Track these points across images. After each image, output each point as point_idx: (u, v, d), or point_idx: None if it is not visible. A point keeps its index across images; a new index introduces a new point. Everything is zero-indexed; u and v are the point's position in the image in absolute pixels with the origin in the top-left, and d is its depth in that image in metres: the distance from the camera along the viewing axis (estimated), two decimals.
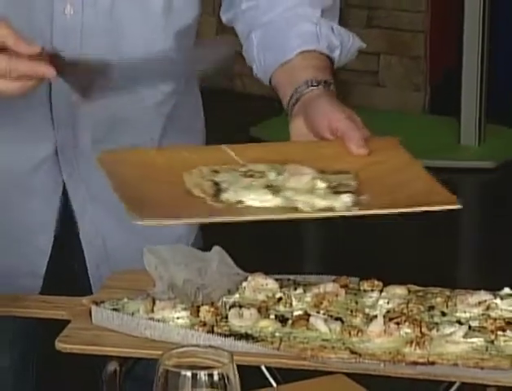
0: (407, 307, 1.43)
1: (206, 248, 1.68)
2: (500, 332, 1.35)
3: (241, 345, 1.35)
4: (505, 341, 1.34)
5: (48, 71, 1.44)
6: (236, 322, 1.41)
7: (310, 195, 1.35)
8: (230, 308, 1.44)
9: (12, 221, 1.78)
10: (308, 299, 1.49)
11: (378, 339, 1.37)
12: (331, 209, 1.35)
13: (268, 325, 1.40)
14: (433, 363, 1.31)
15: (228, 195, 1.35)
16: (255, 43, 1.75)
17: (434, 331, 1.37)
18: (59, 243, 1.78)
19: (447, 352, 1.33)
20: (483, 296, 1.45)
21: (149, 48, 1.70)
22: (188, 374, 1.02)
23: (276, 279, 1.55)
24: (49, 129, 1.73)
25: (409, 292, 1.49)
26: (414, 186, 1.44)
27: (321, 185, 1.36)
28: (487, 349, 1.32)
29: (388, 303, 1.45)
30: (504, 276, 1.65)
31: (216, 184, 1.38)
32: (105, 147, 1.69)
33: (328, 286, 1.52)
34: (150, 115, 1.82)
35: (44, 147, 1.74)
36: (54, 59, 1.45)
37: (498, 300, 1.43)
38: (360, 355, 1.33)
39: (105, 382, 1.48)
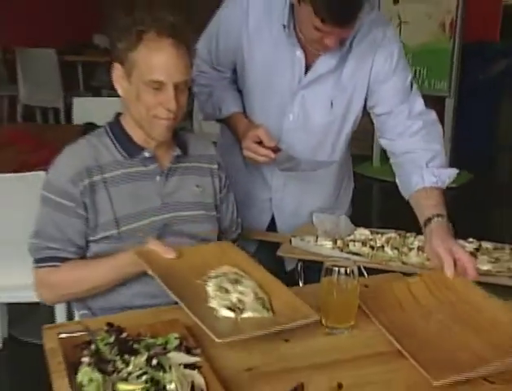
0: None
1: None
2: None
3: (355, 257, 1.50)
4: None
5: (270, 154, 1.44)
6: (353, 248, 1.58)
7: None
8: (350, 241, 1.60)
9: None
10: (383, 239, 1.64)
11: (415, 258, 1.51)
12: None
13: (366, 250, 1.56)
14: None
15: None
16: (395, 170, 1.58)
17: None
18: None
19: None
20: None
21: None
22: (336, 268, 1.15)
23: (370, 231, 1.70)
24: (266, 190, 1.70)
25: None
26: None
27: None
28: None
29: (419, 242, 1.58)
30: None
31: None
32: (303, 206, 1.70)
33: (392, 234, 1.67)
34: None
35: (264, 198, 1.69)
36: (277, 149, 1.46)
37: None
38: (406, 264, 1.49)
39: (296, 272, 1.64)
